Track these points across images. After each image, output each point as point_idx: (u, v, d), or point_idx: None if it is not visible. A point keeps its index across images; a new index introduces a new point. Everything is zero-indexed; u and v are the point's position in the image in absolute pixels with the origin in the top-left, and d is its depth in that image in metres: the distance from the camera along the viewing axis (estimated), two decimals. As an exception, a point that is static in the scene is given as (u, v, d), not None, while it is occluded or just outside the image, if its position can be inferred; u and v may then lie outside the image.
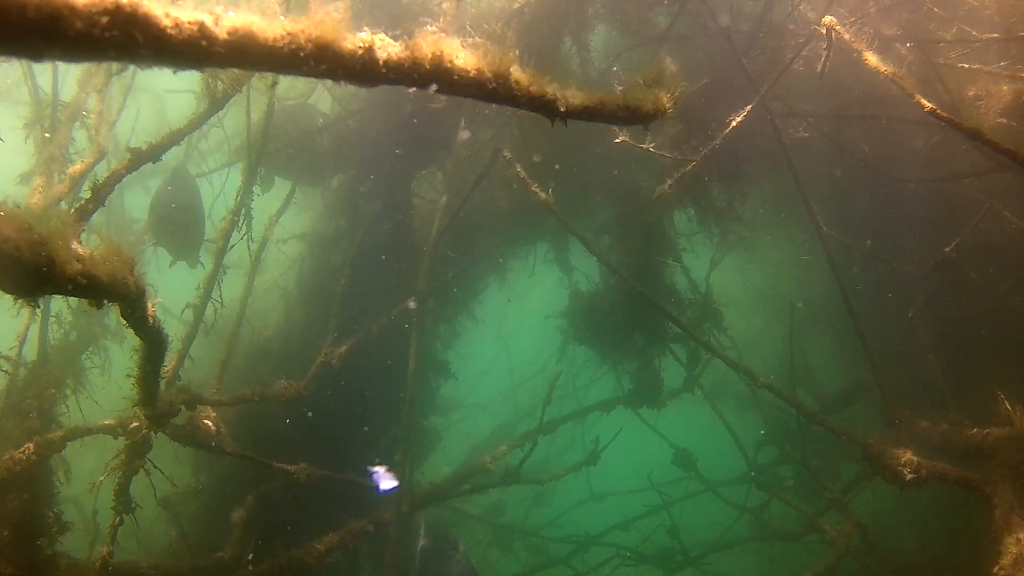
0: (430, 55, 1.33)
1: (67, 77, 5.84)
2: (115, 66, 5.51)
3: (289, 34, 1.15)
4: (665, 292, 6.84)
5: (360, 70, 1.25)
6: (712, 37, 5.86)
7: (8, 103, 7.04)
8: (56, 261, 1.56)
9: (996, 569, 3.83)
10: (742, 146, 5.94)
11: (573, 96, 1.82)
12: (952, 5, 5.56)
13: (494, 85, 1.50)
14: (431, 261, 5.59)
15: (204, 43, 1.08)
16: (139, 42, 1.02)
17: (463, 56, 1.39)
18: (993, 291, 5.72)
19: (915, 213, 6.12)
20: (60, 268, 1.60)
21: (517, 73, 1.58)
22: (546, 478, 6.68)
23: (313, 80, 7.38)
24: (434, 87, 1.42)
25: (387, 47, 1.29)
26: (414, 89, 1.44)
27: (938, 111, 3.34)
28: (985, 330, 5.86)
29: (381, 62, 1.27)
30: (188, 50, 1.07)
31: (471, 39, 1.45)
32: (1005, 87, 5.34)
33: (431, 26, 1.97)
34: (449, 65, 1.36)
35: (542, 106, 1.73)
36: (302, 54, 1.17)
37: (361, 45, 1.25)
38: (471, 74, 1.42)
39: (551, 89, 1.72)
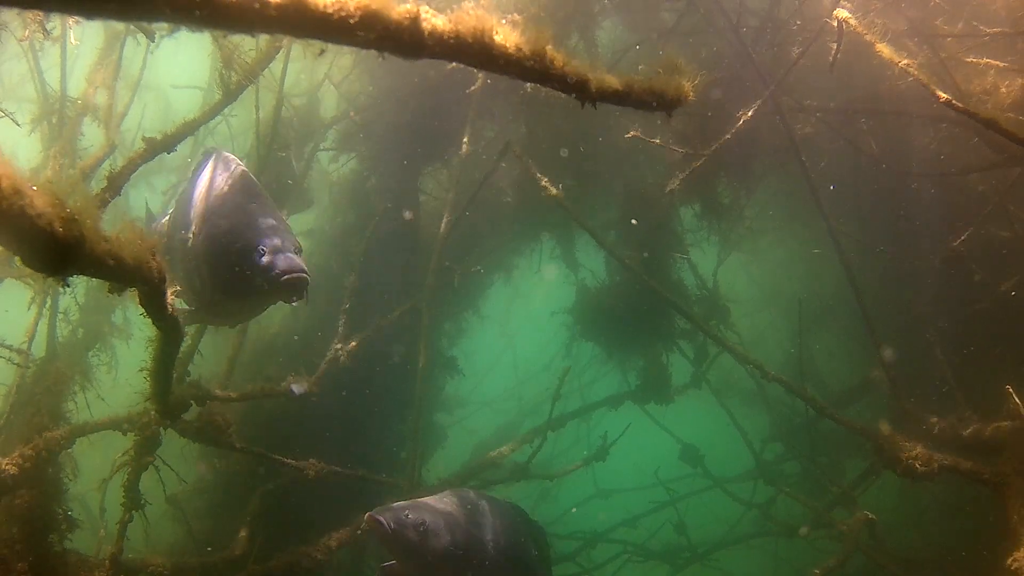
0: (473, 29, 1.33)
1: (72, 73, 5.85)
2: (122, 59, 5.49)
3: (339, 1, 1.15)
4: (672, 288, 6.84)
5: (406, 40, 1.24)
6: (720, 32, 5.86)
7: (14, 100, 7.03)
8: (87, 238, 1.55)
9: (1010, 561, 3.84)
10: (750, 142, 5.94)
11: (604, 79, 1.82)
12: (959, 0, 5.56)
13: (531, 63, 1.50)
14: (439, 257, 5.59)
15: (257, 6, 1.07)
16: (194, 1, 1.01)
17: (503, 32, 1.39)
18: (1001, 286, 5.72)
19: (923, 208, 6.13)
20: (90, 246, 1.59)
21: (553, 52, 1.57)
22: (556, 473, 6.68)
23: (319, 76, 7.39)
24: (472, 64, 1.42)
25: (432, 19, 1.29)
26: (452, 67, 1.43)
27: (954, 102, 3.34)
28: (993, 325, 5.87)
29: (426, 33, 1.27)
30: (241, 13, 1.06)
31: (509, 17, 1.44)
32: (1013, 82, 5.34)
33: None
34: (489, 40, 1.36)
35: (575, 87, 1.72)
36: (352, 21, 1.17)
37: (407, 15, 1.24)
38: (510, 50, 1.42)
39: (584, 70, 1.72)
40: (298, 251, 3.40)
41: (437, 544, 3.93)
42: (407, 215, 6.47)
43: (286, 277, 3.31)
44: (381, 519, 3.85)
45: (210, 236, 3.48)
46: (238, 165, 3.73)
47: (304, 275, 3.32)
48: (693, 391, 7.66)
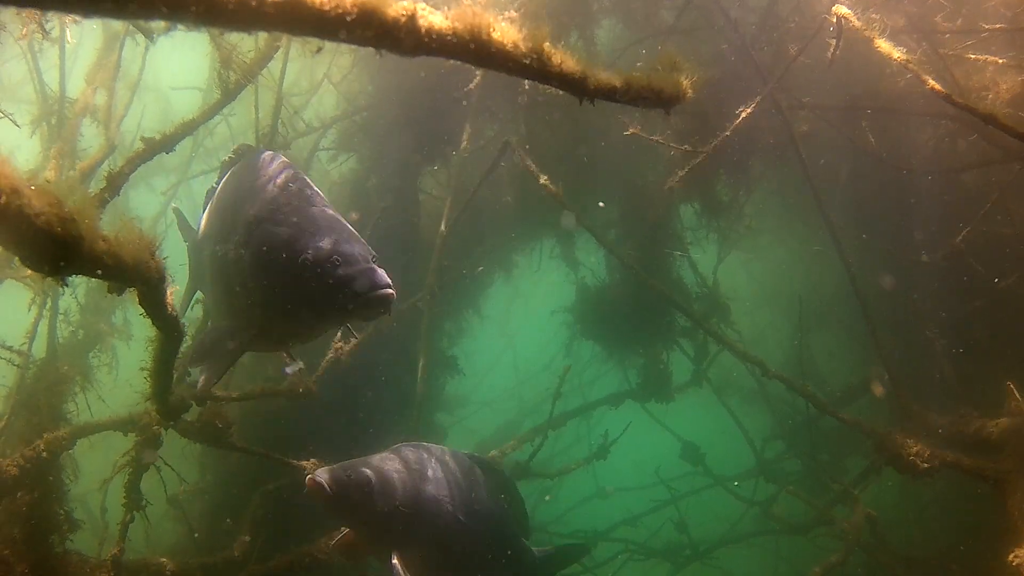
0: (469, 26, 1.33)
1: (72, 74, 5.85)
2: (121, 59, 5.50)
3: (335, -1, 1.15)
4: (672, 286, 6.85)
5: (403, 38, 1.25)
6: (719, 30, 5.86)
7: (13, 101, 7.03)
8: (85, 238, 1.55)
9: (1011, 557, 3.84)
10: (749, 140, 5.95)
11: (602, 76, 1.82)
12: (958, -3, 5.56)
13: (528, 60, 1.50)
14: (439, 256, 5.59)
15: (254, 3, 1.07)
16: (191, -1, 1.01)
17: (500, 29, 1.39)
18: (1001, 282, 5.72)
19: (923, 205, 6.13)
20: (89, 246, 1.59)
21: (550, 50, 1.57)
22: (555, 472, 6.69)
23: (318, 76, 7.39)
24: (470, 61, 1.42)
25: (428, 16, 1.29)
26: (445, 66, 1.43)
27: (953, 96, 3.34)
28: (993, 321, 5.87)
29: (423, 30, 1.27)
30: (238, 11, 1.06)
31: (507, 14, 1.44)
32: (1012, 77, 5.34)
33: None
34: (487, 37, 1.36)
35: (572, 84, 1.72)
36: (348, 19, 1.17)
37: (404, 13, 1.25)
38: (507, 47, 1.42)
39: (582, 67, 1.72)
40: (375, 260, 2.84)
41: (384, 503, 3.62)
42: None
43: (374, 294, 2.73)
44: (321, 481, 3.51)
45: (266, 247, 2.88)
46: (286, 163, 3.18)
47: (392, 291, 2.76)
48: (694, 389, 7.67)
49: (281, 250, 2.84)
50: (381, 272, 2.78)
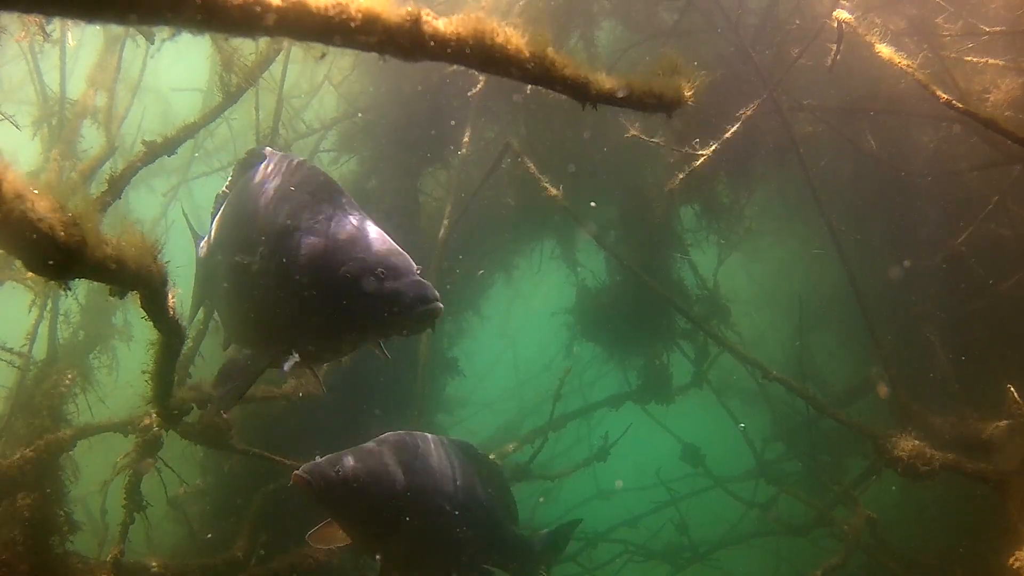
0: (473, 31, 1.33)
1: (72, 75, 5.85)
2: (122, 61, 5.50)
3: (339, 4, 1.15)
4: (672, 288, 6.86)
5: (407, 43, 1.25)
6: (719, 32, 5.86)
7: (14, 102, 7.03)
8: (88, 242, 1.56)
9: (1012, 560, 3.84)
10: (750, 142, 5.96)
11: (604, 81, 1.82)
12: (958, -1, 5.57)
13: (531, 65, 1.50)
14: (440, 257, 5.59)
15: (258, 9, 1.08)
16: (195, 4, 1.01)
17: (503, 34, 1.39)
18: (1002, 284, 5.73)
19: (923, 208, 6.13)
20: (92, 250, 1.59)
21: (553, 54, 1.58)
22: (556, 474, 6.69)
23: (318, 78, 7.40)
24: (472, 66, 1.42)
25: (432, 21, 1.29)
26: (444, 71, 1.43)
27: (954, 102, 3.34)
28: (994, 324, 5.87)
29: (427, 35, 1.28)
30: (242, 16, 1.06)
31: (510, 19, 1.45)
32: (1012, 80, 5.35)
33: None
34: (490, 42, 1.36)
35: (575, 88, 1.73)
36: (352, 24, 1.17)
37: (408, 18, 1.25)
38: (511, 52, 1.42)
39: (584, 72, 1.72)
40: (420, 271, 2.69)
41: (371, 499, 3.56)
42: (406, 215, 6.44)
43: (424, 308, 2.59)
44: (307, 478, 3.45)
45: (300, 259, 2.67)
46: (310, 165, 2.94)
47: (440, 304, 2.62)
48: (694, 391, 7.67)
49: (318, 262, 2.64)
50: (428, 284, 2.64)
